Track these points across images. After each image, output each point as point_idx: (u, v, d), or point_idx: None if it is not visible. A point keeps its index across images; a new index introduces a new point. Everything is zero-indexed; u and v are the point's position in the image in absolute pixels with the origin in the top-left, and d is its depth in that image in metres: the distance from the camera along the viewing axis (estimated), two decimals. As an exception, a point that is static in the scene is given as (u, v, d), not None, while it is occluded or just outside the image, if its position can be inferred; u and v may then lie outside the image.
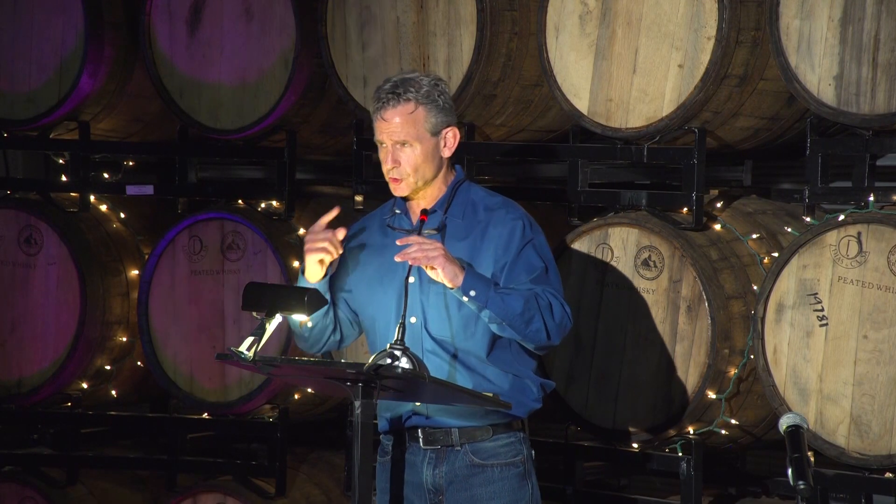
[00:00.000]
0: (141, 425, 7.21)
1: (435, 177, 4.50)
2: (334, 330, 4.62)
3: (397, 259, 4.30)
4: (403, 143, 4.42)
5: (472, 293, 4.29)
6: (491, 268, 4.42)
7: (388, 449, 4.52)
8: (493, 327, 4.37)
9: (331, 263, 4.50)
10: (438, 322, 4.42)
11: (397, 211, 4.56)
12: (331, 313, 4.59)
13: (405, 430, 4.50)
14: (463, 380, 4.41)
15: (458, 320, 4.42)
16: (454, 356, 4.43)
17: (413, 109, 4.42)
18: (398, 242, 4.31)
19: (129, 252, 7.13)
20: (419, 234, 4.44)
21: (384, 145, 4.45)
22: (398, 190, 4.47)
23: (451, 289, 4.31)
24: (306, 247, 4.46)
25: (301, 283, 4.52)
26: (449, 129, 4.49)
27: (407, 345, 4.38)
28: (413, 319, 4.44)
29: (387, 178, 4.48)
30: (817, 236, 5.46)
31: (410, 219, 4.54)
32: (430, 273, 4.30)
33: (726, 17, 5.54)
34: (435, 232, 4.46)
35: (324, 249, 4.42)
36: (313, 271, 4.48)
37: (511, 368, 4.47)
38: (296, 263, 6.65)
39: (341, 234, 4.44)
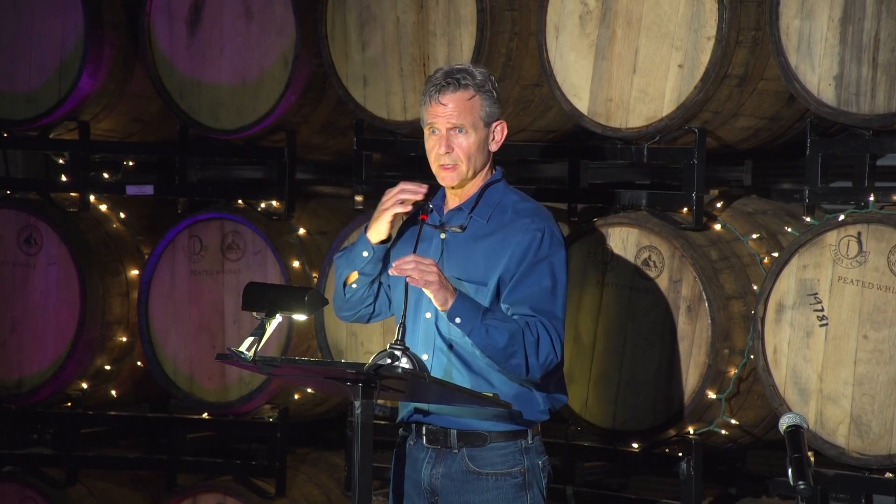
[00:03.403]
0: (141, 425, 7.21)
1: (481, 171, 4.47)
2: (373, 302, 4.62)
3: (391, 273, 4.29)
4: (459, 129, 4.39)
5: (458, 320, 4.26)
6: (499, 273, 4.38)
7: (401, 442, 4.54)
8: (477, 351, 4.36)
9: (391, 235, 4.53)
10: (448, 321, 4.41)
11: (431, 206, 4.55)
12: (375, 285, 4.59)
13: (413, 424, 4.50)
14: (463, 381, 4.39)
15: None
16: (461, 357, 4.42)
17: (471, 96, 4.39)
18: (393, 266, 4.28)
19: (129, 252, 7.13)
20: (444, 231, 4.46)
21: (437, 132, 4.40)
22: (449, 179, 4.43)
23: (440, 311, 4.30)
24: (388, 200, 4.46)
25: (360, 241, 4.51)
26: (498, 122, 4.47)
27: (421, 338, 4.40)
28: (428, 315, 4.43)
29: (434, 168, 4.44)
30: (817, 236, 5.46)
31: (443, 214, 4.52)
32: (425, 292, 4.29)
33: (726, 17, 5.54)
34: (459, 230, 4.45)
35: (402, 202, 4.44)
36: (379, 229, 4.49)
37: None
38: (296, 263, 6.66)
39: (423, 189, 4.44)
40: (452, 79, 4.39)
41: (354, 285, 4.57)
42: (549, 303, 4.34)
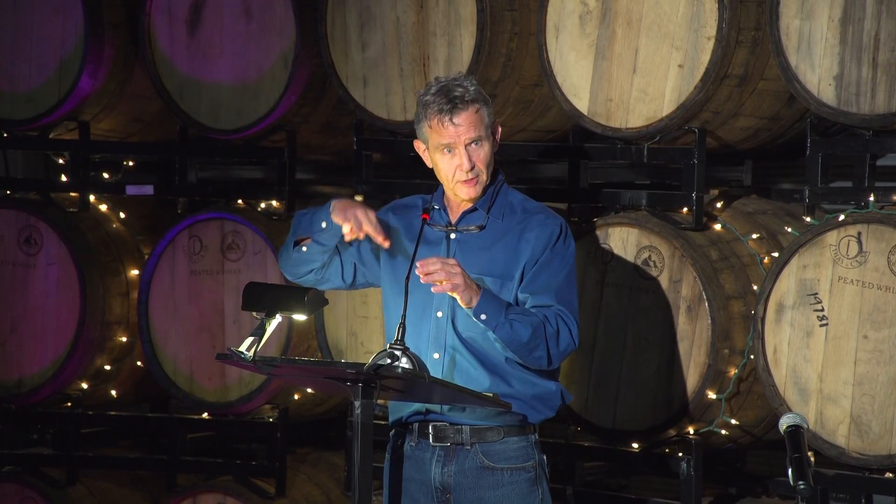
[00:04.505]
0: (141, 425, 7.21)
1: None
2: (320, 269, 4.65)
3: (423, 280, 4.28)
4: (476, 142, 4.47)
5: (483, 317, 4.32)
6: (523, 266, 4.44)
7: (397, 444, 4.53)
8: (498, 345, 4.40)
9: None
10: (466, 319, 4.43)
11: (436, 206, 4.57)
12: (328, 255, 4.60)
13: (415, 424, 4.50)
14: (481, 379, 4.43)
15: None
16: (477, 355, 4.44)
17: (478, 108, 4.48)
18: (418, 266, 4.28)
19: (129, 252, 7.13)
20: (455, 231, 4.50)
21: (453, 150, 4.47)
22: (473, 192, 4.51)
23: (465, 308, 4.33)
24: (352, 211, 4.46)
25: (322, 211, 4.52)
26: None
27: (431, 338, 4.42)
28: (440, 314, 4.46)
29: (453, 184, 4.49)
30: (817, 236, 5.46)
31: (449, 216, 4.57)
32: (452, 294, 4.31)
33: (726, 17, 5.54)
34: (476, 229, 4.49)
35: (357, 227, 4.46)
36: (340, 218, 4.50)
37: (533, 373, 4.48)
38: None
39: (373, 234, 4.47)
40: (460, 97, 4.46)
41: (304, 248, 4.59)
42: (566, 291, 4.45)
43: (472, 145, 4.46)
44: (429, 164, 4.58)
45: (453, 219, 4.55)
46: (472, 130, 4.45)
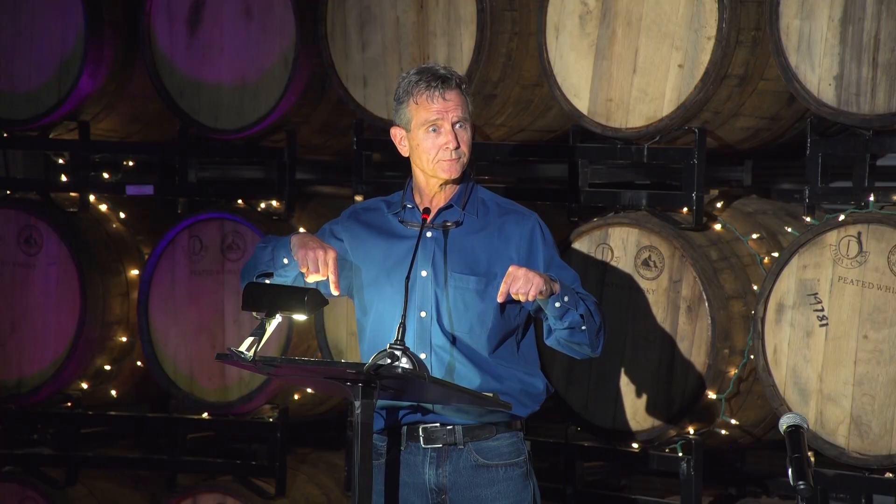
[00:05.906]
0: (141, 425, 7.21)
1: None
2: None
3: (500, 299, 4.30)
4: (461, 124, 4.47)
5: (566, 298, 4.32)
6: (513, 263, 4.41)
7: (383, 450, 4.48)
8: (561, 331, 4.39)
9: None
10: (452, 317, 4.43)
11: (408, 205, 4.56)
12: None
13: (403, 428, 4.49)
14: (471, 377, 4.41)
15: (472, 317, 4.42)
16: (464, 353, 4.43)
17: (463, 92, 4.50)
18: (500, 299, 4.31)
19: (129, 252, 7.13)
20: (431, 229, 4.47)
21: (440, 129, 4.45)
22: (454, 171, 4.47)
23: (541, 298, 4.29)
24: (312, 253, 4.40)
25: (282, 247, 4.47)
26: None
27: (415, 338, 4.41)
28: (423, 314, 4.44)
29: (434, 163, 4.45)
30: (817, 236, 5.46)
31: (422, 213, 4.53)
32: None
33: (726, 17, 5.54)
34: (453, 225, 4.48)
35: (314, 269, 4.40)
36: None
37: (519, 369, 4.48)
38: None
39: (332, 280, 4.42)
40: (450, 76, 4.47)
41: (267, 281, 4.54)
42: (580, 285, 4.48)
43: (458, 126, 4.45)
44: (404, 152, 4.52)
45: (427, 217, 4.51)
46: (459, 109, 4.45)
